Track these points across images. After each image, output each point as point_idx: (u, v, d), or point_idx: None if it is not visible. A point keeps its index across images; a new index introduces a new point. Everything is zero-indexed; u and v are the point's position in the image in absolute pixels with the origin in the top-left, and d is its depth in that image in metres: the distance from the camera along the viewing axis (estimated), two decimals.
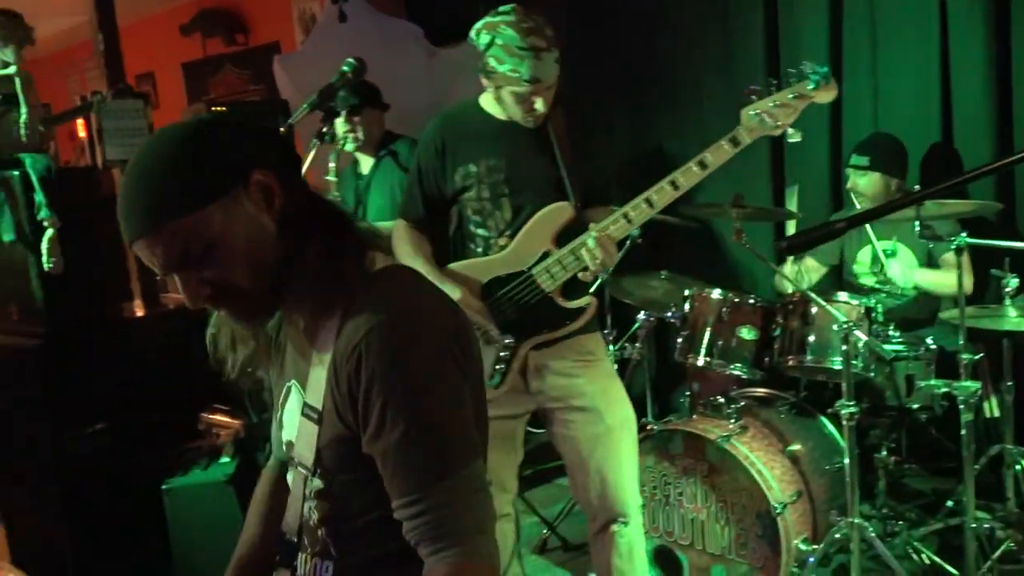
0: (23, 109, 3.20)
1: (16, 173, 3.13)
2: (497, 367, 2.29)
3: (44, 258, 3.12)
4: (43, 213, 3.11)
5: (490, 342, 2.29)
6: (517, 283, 2.27)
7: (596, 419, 2.31)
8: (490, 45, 2.17)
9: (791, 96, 2.03)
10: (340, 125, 3.31)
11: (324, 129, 2.03)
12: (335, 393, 1.24)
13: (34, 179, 3.11)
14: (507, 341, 2.29)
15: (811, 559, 2.63)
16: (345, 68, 2.12)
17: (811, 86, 2.02)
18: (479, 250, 2.36)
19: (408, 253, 2.38)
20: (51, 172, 3.14)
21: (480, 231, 2.34)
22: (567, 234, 2.24)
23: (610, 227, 2.17)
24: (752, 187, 3.69)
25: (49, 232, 3.12)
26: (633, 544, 2.39)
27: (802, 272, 3.37)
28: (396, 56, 4.14)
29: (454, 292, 2.22)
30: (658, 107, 4.16)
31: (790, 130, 2.09)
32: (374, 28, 4.39)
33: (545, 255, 2.24)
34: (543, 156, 2.29)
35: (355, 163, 3.58)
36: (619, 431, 2.34)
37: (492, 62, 2.18)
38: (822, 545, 2.65)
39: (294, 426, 1.34)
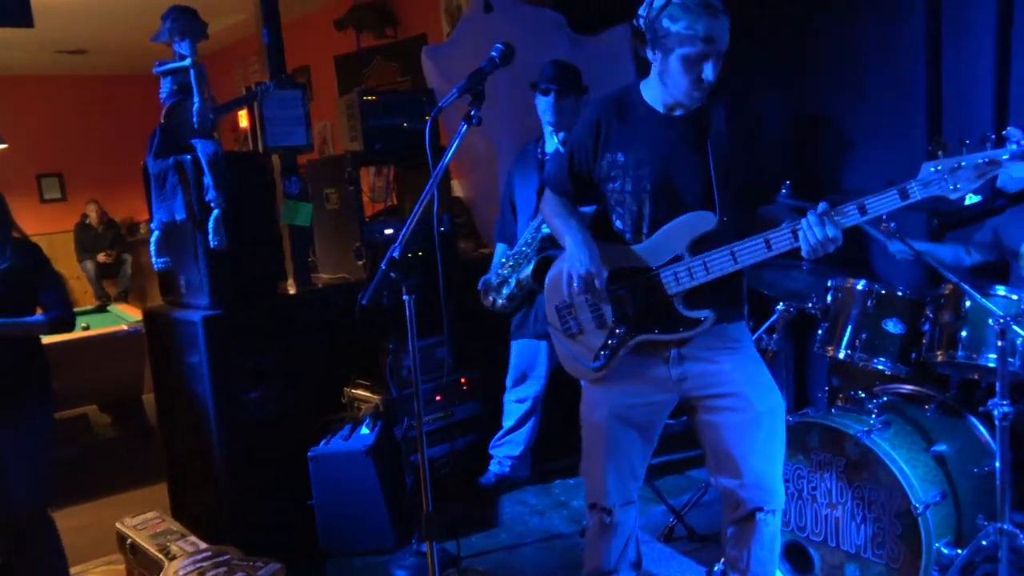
0: (196, 99, 3.46)
1: (188, 157, 3.40)
2: (603, 351, 2.33)
3: (210, 236, 3.38)
4: (210, 195, 3.36)
5: (602, 326, 2.33)
6: (641, 279, 2.26)
7: (745, 405, 2.27)
8: (666, 5, 2.10)
9: (981, 160, 1.86)
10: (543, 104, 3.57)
11: (472, 112, 2.09)
12: None
13: (203, 163, 3.36)
14: (618, 330, 2.30)
15: (954, 565, 2.51)
16: (494, 53, 2.18)
17: (1006, 155, 1.85)
18: (614, 239, 2.35)
19: (559, 214, 2.41)
20: (218, 156, 3.38)
21: (618, 222, 2.33)
22: (703, 244, 2.20)
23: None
24: (907, 172, 3.53)
25: (215, 212, 3.37)
26: (776, 535, 2.35)
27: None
28: (540, 45, 4.20)
29: (592, 266, 2.23)
30: (811, 89, 4.04)
31: (970, 195, 1.91)
32: (519, 18, 4.47)
33: (676, 258, 2.22)
34: (695, 160, 2.21)
35: (538, 140, 3.72)
36: (769, 417, 2.29)
37: (666, 22, 2.10)
38: (966, 551, 2.53)
39: None
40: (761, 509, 2.30)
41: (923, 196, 1.92)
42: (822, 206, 2.03)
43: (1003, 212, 1.71)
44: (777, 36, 4.08)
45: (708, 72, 2.13)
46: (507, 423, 3.93)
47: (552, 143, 3.63)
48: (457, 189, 5.13)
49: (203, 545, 3.20)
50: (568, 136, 3.46)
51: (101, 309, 6.25)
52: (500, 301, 3.61)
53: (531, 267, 3.45)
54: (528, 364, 3.84)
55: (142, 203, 3.63)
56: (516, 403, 3.89)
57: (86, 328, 5.29)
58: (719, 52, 2.12)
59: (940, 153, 1.91)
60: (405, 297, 2.07)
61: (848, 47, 3.86)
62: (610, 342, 2.32)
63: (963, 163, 1.87)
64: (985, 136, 1.87)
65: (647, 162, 2.24)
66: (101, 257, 9.89)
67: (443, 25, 6.27)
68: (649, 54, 2.19)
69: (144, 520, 3.49)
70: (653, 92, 2.27)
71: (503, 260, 3.64)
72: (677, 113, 2.25)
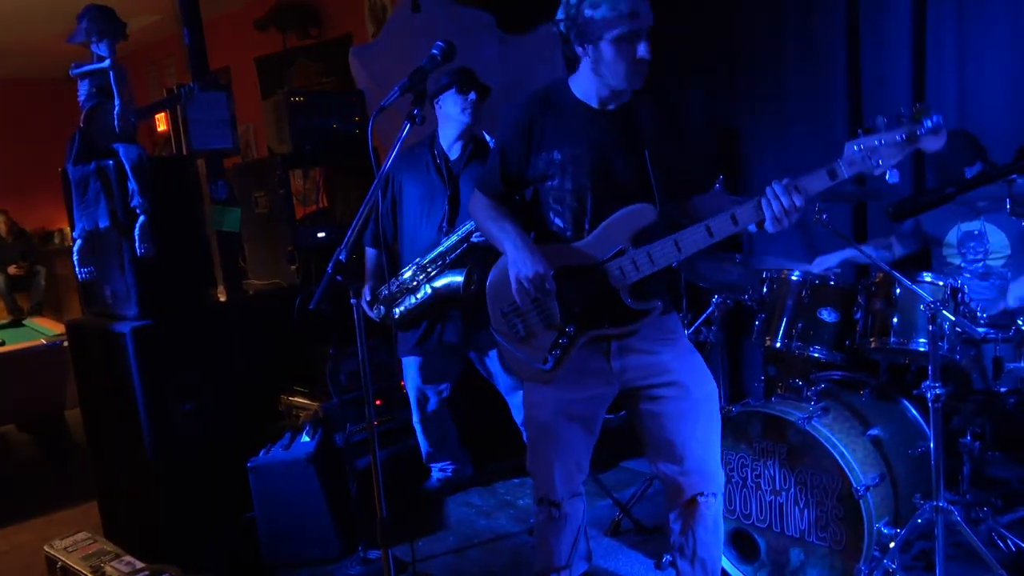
0: (117, 101, 3.33)
1: (111, 162, 3.27)
2: (553, 352, 2.32)
3: (136, 244, 3.25)
4: (136, 201, 3.24)
5: (551, 327, 2.32)
6: (587, 275, 2.26)
7: (684, 393, 2.31)
8: None
9: (899, 137, 1.94)
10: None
11: (415, 111, 2.06)
12: None
13: (127, 168, 3.24)
14: (568, 329, 2.30)
15: (894, 543, 2.60)
16: (435, 51, 2.15)
17: (921, 131, 1.92)
18: (554, 237, 2.35)
19: (493, 218, 2.39)
20: (143, 161, 3.26)
21: (558, 220, 2.33)
22: (646, 235, 2.21)
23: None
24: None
25: (141, 219, 3.25)
26: (718, 517, 2.40)
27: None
28: (469, 44, 4.19)
29: (539, 267, 2.23)
30: (735, 87, 4.13)
31: (891, 171, 1.99)
32: (447, 17, 4.45)
33: (620, 252, 2.23)
34: (631, 153, 2.23)
35: (430, 143, 3.55)
36: (706, 404, 2.34)
37: (588, 11, 2.11)
38: (905, 530, 2.61)
39: None
40: (702, 493, 2.35)
41: (849, 174, 2.00)
42: (785, 180, 2.06)
43: (953, 200, 1.79)
44: (705, 36, 4.17)
45: (642, 50, 2.14)
46: (424, 445, 3.80)
47: (457, 148, 3.48)
48: None
49: (140, 565, 3.08)
50: (494, 137, 3.39)
51: (16, 323, 5.98)
52: (398, 311, 3.42)
53: (462, 277, 3.30)
54: (429, 382, 3.66)
55: (55, 211, 3.51)
56: (425, 424, 3.76)
57: (1, 343, 5.05)
58: (646, 28, 2.14)
59: (861, 132, 1.99)
60: (353, 300, 2.02)
61: (772, 46, 3.96)
62: (561, 341, 2.32)
63: (883, 140, 1.95)
64: (900, 115, 1.95)
65: (585, 158, 2.25)
66: (12, 269, 9.45)
67: (367, 25, 6.20)
68: (579, 51, 2.20)
69: (75, 542, 3.34)
70: (584, 87, 2.27)
71: (407, 270, 3.42)
72: (611, 107, 2.26)
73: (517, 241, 2.30)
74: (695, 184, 2.36)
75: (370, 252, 3.63)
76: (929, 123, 1.91)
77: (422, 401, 3.70)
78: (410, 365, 3.66)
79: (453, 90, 3.41)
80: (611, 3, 2.09)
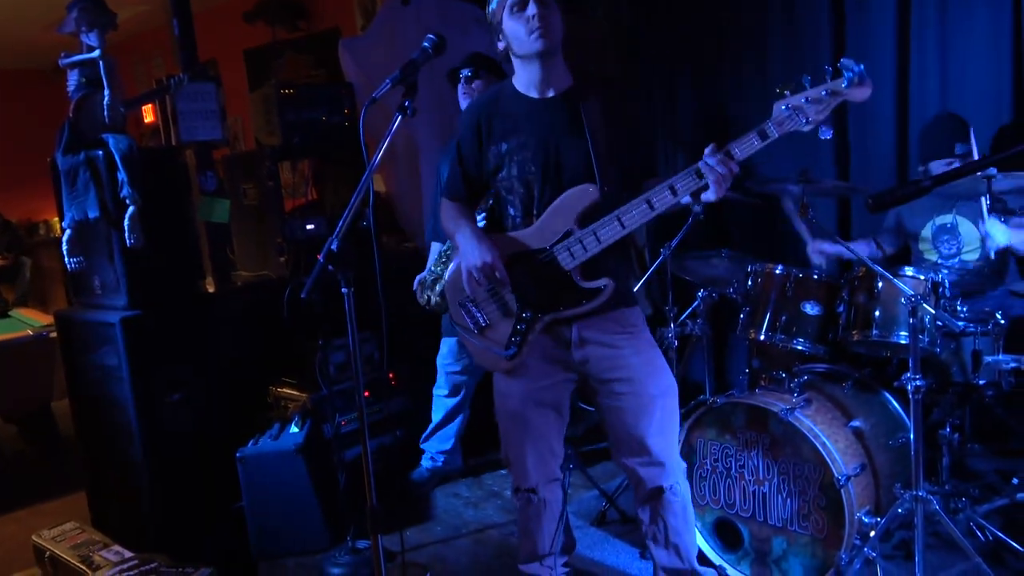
0: (107, 92, 3.33)
1: (100, 153, 3.27)
2: (513, 339, 2.38)
3: (126, 234, 3.26)
4: (125, 191, 3.25)
5: (508, 314, 2.38)
6: (538, 260, 2.32)
7: (640, 389, 2.37)
8: None
9: (823, 92, 1.99)
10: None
11: (406, 103, 2.08)
12: None
13: (117, 158, 3.24)
14: (525, 315, 2.36)
15: (875, 532, 2.64)
16: (426, 44, 2.18)
17: (844, 84, 1.96)
18: (508, 228, 2.42)
19: (452, 218, 2.47)
20: (133, 151, 3.26)
21: (511, 210, 2.39)
22: (591, 216, 2.26)
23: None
24: (816, 163, 3.69)
25: (131, 209, 3.25)
26: (686, 503, 2.47)
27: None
28: (458, 38, 4.19)
29: (486, 256, 2.29)
30: (721, 70, 4.18)
31: (822, 127, 2.03)
32: (436, 10, 4.46)
33: (567, 234, 2.28)
34: (574, 137, 2.28)
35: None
36: (662, 399, 2.40)
37: (491, 6, 2.26)
38: (885, 519, 2.66)
39: None
40: (664, 486, 2.43)
41: (780, 134, 2.05)
42: (712, 148, 2.11)
43: (929, 192, 1.83)
44: (692, 21, 4.21)
45: (531, 8, 2.20)
46: (436, 417, 3.91)
47: None
48: (377, 183, 5.08)
49: (129, 554, 3.09)
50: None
51: (1, 315, 5.95)
52: (434, 299, 3.53)
53: None
54: (462, 361, 3.79)
55: (40, 202, 3.50)
56: (446, 398, 3.88)
57: None
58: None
59: (787, 93, 2.03)
60: (344, 290, 2.05)
61: (758, 33, 4.01)
62: (519, 327, 2.38)
63: (808, 97, 2.00)
64: (824, 71, 1.99)
65: (530, 145, 2.31)
66: None
67: (356, 18, 6.20)
68: (500, 46, 2.32)
69: (63, 531, 3.35)
70: (523, 80, 2.36)
71: (436, 257, 3.57)
72: (550, 94, 2.32)
73: (466, 232, 2.37)
74: (642, 169, 2.40)
75: (433, 246, 3.71)
76: (850, 74, 1.95)
77: (456, 381, 3.79)
78: (448, 344, 3.77)
79: (460, 79, 3.47)
80: None
